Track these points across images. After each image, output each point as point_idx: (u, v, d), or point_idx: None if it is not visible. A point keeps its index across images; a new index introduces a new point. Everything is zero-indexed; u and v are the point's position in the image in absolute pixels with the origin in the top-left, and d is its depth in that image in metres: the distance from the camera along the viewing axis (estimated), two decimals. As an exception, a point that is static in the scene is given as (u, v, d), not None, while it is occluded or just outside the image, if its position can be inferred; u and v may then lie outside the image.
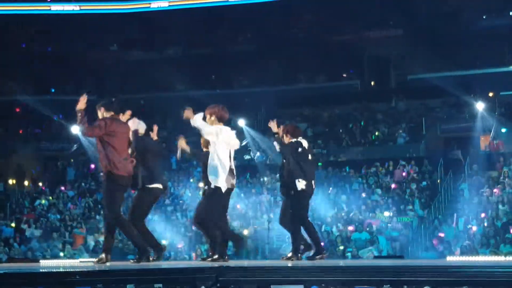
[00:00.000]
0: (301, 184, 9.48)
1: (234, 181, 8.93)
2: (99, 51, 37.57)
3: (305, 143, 9.73)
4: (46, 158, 34.53)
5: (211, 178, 8.86)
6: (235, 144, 9.06)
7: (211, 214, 8.86)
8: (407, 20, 35.11)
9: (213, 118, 8.95)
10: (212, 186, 8.81)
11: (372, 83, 36.50)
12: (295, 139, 9.75)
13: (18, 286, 5.57)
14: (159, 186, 9.28)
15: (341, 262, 8.87)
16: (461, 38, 32.13)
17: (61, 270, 7.45)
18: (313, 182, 9.70)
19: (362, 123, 32.29)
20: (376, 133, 31.40)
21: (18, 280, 5.88)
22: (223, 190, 8.72)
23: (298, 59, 35.01)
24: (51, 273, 6.46)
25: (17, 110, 37.44)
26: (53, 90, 38.55)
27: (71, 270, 6.61)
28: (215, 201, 8.79)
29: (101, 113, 8.78)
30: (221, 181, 8.70)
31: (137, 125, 9.27)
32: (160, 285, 5.00)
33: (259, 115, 33.11)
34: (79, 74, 37.20)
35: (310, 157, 9.75)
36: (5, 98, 37.48)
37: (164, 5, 35.76)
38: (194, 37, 34.64)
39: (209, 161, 8.96)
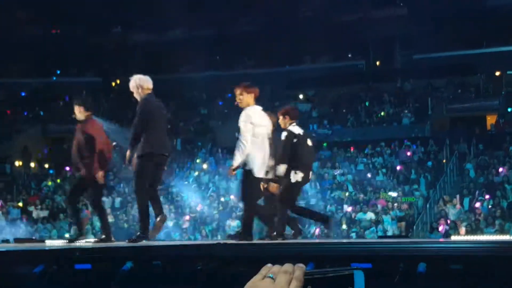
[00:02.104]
0: (297, 176, 9.08)
1: None
2: (102, 33, 37.51)
3: (299, 130, 9.32)
4: (52, 140, 34.58)
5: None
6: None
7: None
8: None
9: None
10: None
11: (378, 63, 36.35)
12: (293, 122, 9.31)
13: (21, 264, 5.57)
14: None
15: (344, 240, 8.85)
16: (467, 16, 31.91)
17: (62, 247, 7.47)
18: (310, 173, 9.44)
19: (367, 104, 32.21)
20: (382, 113, 31.32)
21: (21, 257, 5.89)
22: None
23: (303, 39, 34.86)
24: (52, 250, 6.47)
25: (23, 92, 37.49)
26: (58, 72, 38.56)
27: (72, 247, 6.62)
28: None
29: (79, 110, 8.91)
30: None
31: None
32: (159, 262, 4.99)
33: (264, 96, 33.00)
34: (83, 57, 37.17)
35: (309, 143, 9.37)
36: (10, 80, 37.58)
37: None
38: (198, 18, 34.49)
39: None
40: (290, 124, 9.28)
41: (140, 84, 8.50)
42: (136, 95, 8.59)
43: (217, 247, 5.15)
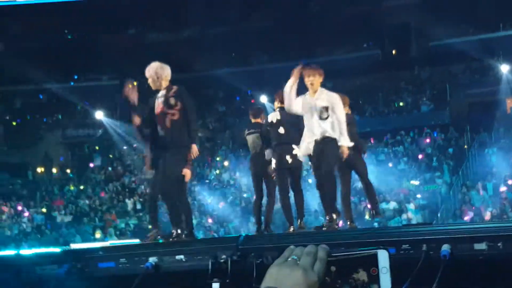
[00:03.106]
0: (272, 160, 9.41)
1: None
2: (117, 35, 37.64)
3: (271, 117, 9.51)
4: (73, 144, 34.76)
5: None
6: None
7: None
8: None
9: (321, 79, 8.47)
10: None
11: (394, 52, 36.12)
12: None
13: (44, 264, 5.60)
14: None
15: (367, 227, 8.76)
16: (483, 0, 31.63)
17: (85, 248, 7.50)
18: (287, 156, 9.31)
19: (384, 93, 32.05)
20: (400, 102, 31.16)
21: (44, 259, 5.91)
22: None
23: (316, 32, 34.73)
24: (75, 251, 6.49)
25: (42, 98, 37.70)
26: (76, 77, 38.73)
27: (95, 247, 6.65)
28: None
29: None
30: None
31: None
32: (182, 256, 4.98)
33: (281, 89, 32.89)
34: (101, 60, 37.30)
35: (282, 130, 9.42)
36: (30, 86, 37.81)
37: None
38: (211, 16, 34.50)
39: None
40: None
41: (168, 73, 8.17)
42: (161, 84, 8.04)
43: (240, 239, 5.14)
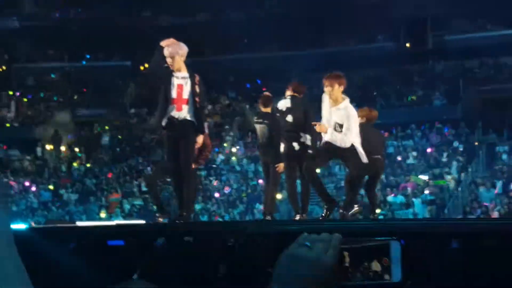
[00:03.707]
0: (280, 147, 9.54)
1: None
2: (130, 17, 37.63)
3: (280, 104, 9.66)
4: (82, 123, 34.85)
5: None
6: None
7: None
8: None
9: (342, 88, 8.48)
10: None
11: (408, 44, 35.94)
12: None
13: (53, 241, 5.61)
14: None
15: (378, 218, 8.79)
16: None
17: (94, 225, 7.53)
18: (295, 144, 9.45)
19: (397, 86, 31.95)
20: (412, 96, 31.06)
21: (53, 235, 5.93)
22: None
23: (330, 22, 34.58)
24: (83, 228, 6.51)
25: (53, 77, 37.80)
26: (88, 57, 38.78)
27: (104, 225, 6.66)
28: None
29: None
30: None
31: None
32: (190, 238, 4.99)
33: (291, 79, 32.85)
34: (112, 40, 37.32)
35: (290, 118, 9.50)
36: (40, 65, 37.91)
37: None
38: (224, 2, 34.40)
39: None
40: None
41: (180, 45, 8.10)
42: (181, 62, 8.04)
43: (247, 224, 5.15)
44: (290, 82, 9.99)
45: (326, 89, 8.41)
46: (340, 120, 8.35)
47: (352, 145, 8.43)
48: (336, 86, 8.35)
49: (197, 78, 7.99)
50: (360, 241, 2.06)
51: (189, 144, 7.94)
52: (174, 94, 7.89)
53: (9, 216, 1.64)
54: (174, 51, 7.94)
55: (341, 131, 8.35)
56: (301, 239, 1.79)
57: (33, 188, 27.69)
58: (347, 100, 8.46)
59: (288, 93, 9.78)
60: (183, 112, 7.88)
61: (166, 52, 7.95)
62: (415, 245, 5.07)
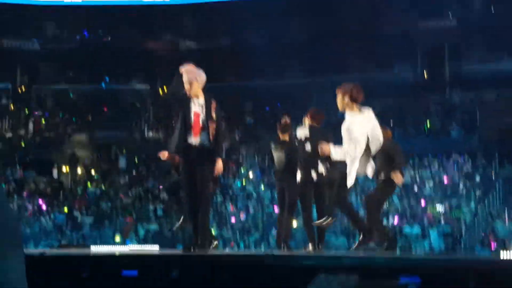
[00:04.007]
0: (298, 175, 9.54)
1: None
2: (151, 40, 37.90)
3: (299, 133, 9.66)
4: (100, 146, 34.95)
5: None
6: None
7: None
8: (462, 10, 34.49)
9: (346, 99, 8.42)
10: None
11: (425, 74, 35.90)
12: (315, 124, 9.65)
13: (65, 269, 5.59)
14: None
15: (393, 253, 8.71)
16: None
17: (108, 253, 7.50)
18: (313, 172, 9.52)
19: (413, 115, 31.83)
20: (428, 125, 30.93)
21: (66, 263, 5.91)
22: None
23: (349, 49, 34.64)
24: (98, 256, 6.49)
25: (72, 98, 38.05)
26: (107, 79, 39.04)
27: (119, 254, 6.63)
28: None
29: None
30: None
31: None
32: (206, 270, 4.96)
33: (311, 105, 32.84)
34: (133, 64, 37.58)
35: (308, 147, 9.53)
36: (60, 86, 38.21)
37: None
38: (245, 27, 34.59)
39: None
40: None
41: (199, 73, 8.15)
42: (199, 89, 8.07)
43: (265, 257, 5.11)
44: (309, 109, 10.00)
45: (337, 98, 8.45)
46: (343, 133, 8.33)
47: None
48: (340, 95, 8.33)
49: (213, 104, 8.01)
50: (377, 283, 2.04)
51: (206, 171, 7.94)
52: (191, 120, 7.92)
53: (23, 259, 1.64)
54: (193, 77, 7.98)
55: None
56: (318, 281, 1.78)
57: (48, 210, 27.73)
58: (354, 107, 8.36)
59: (307, 120, 9.80)
60: (200, 139, 7.90)
61: (184, 78, 7.99)
62: (433, 283, 5.01)
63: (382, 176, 9.34)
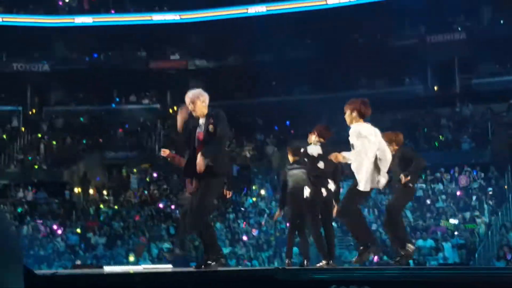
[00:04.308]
0: (306, 191, 9.38)
1: None
2: (160, 60, 38.06)
3: (312, 150, 9.53)
4: (111, 166, 35.04)
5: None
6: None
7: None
8: (471, 23, 34.51)
9: (354, 114, 8.39)
10: None
11: (436, 88, 35.87)
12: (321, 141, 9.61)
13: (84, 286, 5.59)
14: None
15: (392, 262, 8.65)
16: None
17: (120, 272, 7.49)
18: (323, 189, 9.51)
19: (425, 129, 31.77)
20: (440, 139, 30.84)
21: (79, 283, 5.90)
22: None
23: (358, 64, 34.68)
24: (111, 275, 6.48)
25: (83, 119, 38.21)
26: (117, 100, 39.19)
27: (132, 272, 6.62)
28: None
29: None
30: None
31: None
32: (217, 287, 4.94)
33: (321, 121, 32.84)
34: (143, 84, 37.74)
35: (321, 165, 9.47)
36: (71, 108, 38.40)
37: (223, 13, 36.19)
38: (254, 45, 34.71)
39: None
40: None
41: (200, 94, 8.16)
42: (204, 108, 8.04)
43: (275, 271, 5.09)
44: (316, 126, 9.98)
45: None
46: (351, 140, 8.28)
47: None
48: (348, 111, 8.34)
49: (211, 119, 7.95)
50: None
51: (208, 189, 7.82)
52: (196, 143, 7.90)
53: (22, 276, 1.64)
54: (195, 96, 8.01)
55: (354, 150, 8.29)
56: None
57: (60, 232, 27.77)
58: (361, 122, 8.33)
59: (313, 137, 9.77)
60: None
61: (187, 100, 8.02)
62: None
63: (399, 182, 9.29)
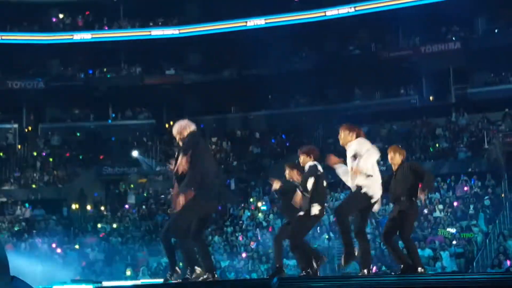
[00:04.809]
0: (315, 209, 9.26)
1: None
2: (156, 75, 38.12)
3: (320, 168, 9.58)
4: (108, 182, 35.02)
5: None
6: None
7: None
8: (465, 33, 34.66)
9: (353, 137, 8.91)
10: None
11: (431, 98, 35.96)
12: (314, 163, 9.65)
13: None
14: None
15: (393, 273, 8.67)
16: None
17: (120, 286, 7.49)
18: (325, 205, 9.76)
19: (421, 139, 31.82)
20: (437, 149, 30.88)
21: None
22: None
23: (354, 76, 34.80)
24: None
25: (79, 135, 38.21)
26: (113, 115, 39.22)
27: (127, 286, 6.63)
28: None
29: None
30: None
31: None
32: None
33: (317, 133, 32.95)
34: (138, 99, 37.78)
35: (324, 183, 9.60)
36: (68, 124, 38.42)
37: (223, 26, 36.26)
38: (250, 58, 34.80)
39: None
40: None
41: (187, 125, 8.34)
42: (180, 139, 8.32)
43: (274, 281, 5.09)
44: (301, 148, 9.99)
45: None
46: (352, 153, 8.65)
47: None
48: (341, 132, 8.91)
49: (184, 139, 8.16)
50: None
51: (184, 206, 7.95)
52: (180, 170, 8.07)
53: (9, 285, 1.65)
54: (181, 128, 8.23)
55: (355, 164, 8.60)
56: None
57: (59, 250, 27.67)
58: (359, 139, 8.79)
59: (302, 157, 9.74)
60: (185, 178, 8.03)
61: (174, 131, 8.24)
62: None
63: (402, 200, 9.17)
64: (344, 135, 8.88)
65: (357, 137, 8.85)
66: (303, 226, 9.44)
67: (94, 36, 37.15)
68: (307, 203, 9.26)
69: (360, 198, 8.66)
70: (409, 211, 9.07)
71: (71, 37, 37.08)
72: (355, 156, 8.68)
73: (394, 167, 9.48)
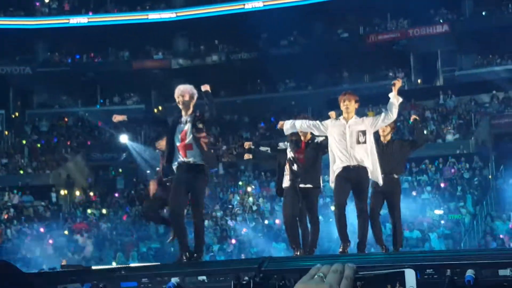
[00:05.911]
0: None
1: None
2: (144, 60, 37.98)
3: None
4: (96, 168, 34.95)
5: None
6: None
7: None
8: (453, 15, 34.68)
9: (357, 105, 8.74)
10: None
11: (419, 81, 36.03)
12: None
13: (69, 282, 5.63)
14: None
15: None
16: (509, 30, 31.47)
17: (108, 268, 7.53)
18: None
19: (409, 122, 31.90)
20: (425, 131, 30.98)
21: (71, 276, 5.95)
22: None
23: (343, 59, 34.79)
24: (98, 270, 6.52)
25: (67, 121, 38.07)
26: (101, 101, 39.07)
27: (117, 267, 6.66)
28: None
29: None
30: None
31: None
32: (204, 277, 4.98)
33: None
34: (127, 84, 37.63)
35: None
36: (55, 110, 38.27)
37: (206, 11, 36.11)
38: (238, 42, 34.72)
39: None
40: None
41: (195, 94, 8.18)
42: (190, 103, 8.10)
43: (263, 261, 5.13)
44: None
45: (344, 104, 8.66)
46: (363, 127, 8.48)
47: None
48: (353, 101, 8.66)
49: (197, 116, 7.98)
50: (374, 270, 2.04)
51: (200, 188, 7.86)
52: (177, 141, 7.89)
53: None
54: (184, 90, 8.03)
55: (365, 140, 8.33)
56: (313, 270, 1.78)
57: (48, 235, 27.63)
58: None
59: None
60: (189, 157, 7.83)
61: (176, 93, 8.03)
62: (430, 278, 5.04)
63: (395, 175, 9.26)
64: (352, 107, 8.66)
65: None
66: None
67: (80, 20, 36.95)
68: None
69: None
70: (399, 188, 9.19)
71: (57, 21, 36.88)
72: (365, 131, 8.45)
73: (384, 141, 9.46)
